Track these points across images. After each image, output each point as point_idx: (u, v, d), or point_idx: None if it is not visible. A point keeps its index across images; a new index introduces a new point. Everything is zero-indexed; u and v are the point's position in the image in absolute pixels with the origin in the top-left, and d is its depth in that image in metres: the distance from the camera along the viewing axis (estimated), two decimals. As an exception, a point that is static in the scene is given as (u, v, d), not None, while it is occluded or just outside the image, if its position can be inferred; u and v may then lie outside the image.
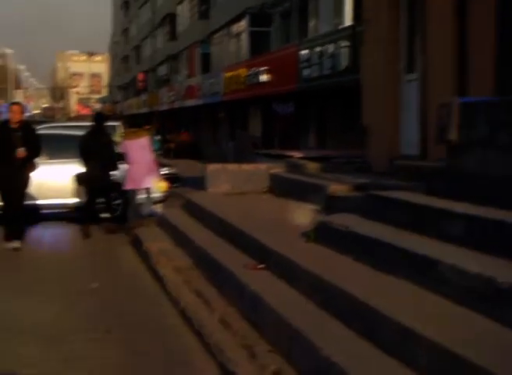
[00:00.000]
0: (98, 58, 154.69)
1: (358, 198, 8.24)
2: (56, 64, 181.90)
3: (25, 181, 11.34)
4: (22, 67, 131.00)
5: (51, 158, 14.68)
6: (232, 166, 12.66)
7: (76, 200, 14.36)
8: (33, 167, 11.46)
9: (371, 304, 4.95)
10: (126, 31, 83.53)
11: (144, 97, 62.97)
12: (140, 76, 66.45)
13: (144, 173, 12.62)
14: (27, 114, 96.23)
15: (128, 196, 13.07)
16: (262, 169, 12.37)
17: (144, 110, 60.91)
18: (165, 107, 51.36)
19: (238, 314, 6.47)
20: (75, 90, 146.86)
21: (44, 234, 13.34)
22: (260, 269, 7.17)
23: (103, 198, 13.12)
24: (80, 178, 13.40)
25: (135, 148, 12.57)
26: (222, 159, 35.18)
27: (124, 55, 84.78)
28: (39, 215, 14.34)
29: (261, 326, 5.91)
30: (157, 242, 10.25)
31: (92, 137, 13.07)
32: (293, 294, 6.16)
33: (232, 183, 12.19)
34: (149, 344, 6.39)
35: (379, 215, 7.02)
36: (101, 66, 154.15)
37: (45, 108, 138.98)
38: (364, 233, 6.41)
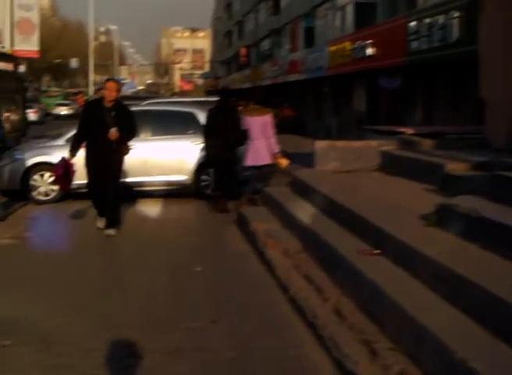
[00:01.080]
0: (201, 34, 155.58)
1: (481, 179, 7.62)
2: (160, 40, 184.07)
3: (118, 165, 10.54)
4: (126, 43, 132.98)
5: (154, 135, 14.53)
6: (341, 143, 12.13)
7: (182, 177, 14.17)
8: (126, 150, 10.57)
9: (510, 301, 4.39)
10: (228, 6, 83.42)
11: (246, 72, 62.72)
12: (243, 51, 66.21)
13: (265, 149, 12.34)
14: (132, 90, 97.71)
15: (237, 173, 13.00)
16: (373, 146, 11.79)
17: (247, 85, 60.67)
18: (267, 82, 50.94)
19: (353, 304, 5.99)
20: (178, 66, 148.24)
21: (148, 213, 13.11)
22: (375, 254, 6.67)
23: (227, 175, 12.79)
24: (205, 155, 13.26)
25: (257, 125, 12.30)
26: (326, 135, 34.72)
27: (227, 31, 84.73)
28: (143, 192, 14.21)
29: (381, 320, 5.42)
30: (263, 222, 9.83)
31: (218, 112, 12.80)
32: (414, 284, 5.62)
33: (341, 161, 11.67)
34: (258, 335, 5.98)
35: (509, 198, 6.39)
36: (203, 41, 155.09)
37: (149, 84, 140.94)
38: (495, 218, 5.80)
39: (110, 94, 10.27)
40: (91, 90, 69.84)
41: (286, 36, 49.19)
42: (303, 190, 10.45)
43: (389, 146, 11.78)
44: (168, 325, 6.23)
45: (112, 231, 10.48)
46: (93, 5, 63.41)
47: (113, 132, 10.08)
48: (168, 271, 8.33)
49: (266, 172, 12.49)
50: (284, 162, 12.46)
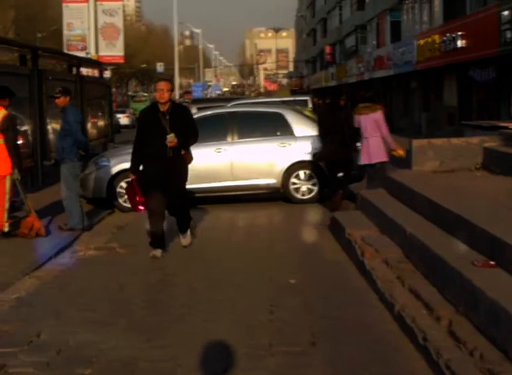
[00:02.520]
0: (284, 33, 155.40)
1: None
2: (244, 42, 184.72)
3: (181, 177, 9.30)
4: (211, 46, 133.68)
5: (241, 137, 14.04)
6: (439, 141, 11.34)
7: (271, 181, 13.68)
8: (189, 158, 9.36)
9: None
10: (311, 5, 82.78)
11: (331, 70, 61.99)
12: (328, 49, 65.45)
13: (378, 147, 11.96)
14: (217, 92, 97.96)
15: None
16: (474, 143, 10.97)
17: (332, 83, 59.96)
18: (353, 79, 50.11)
19: (471, 325, 5.30)
20: (262, 66, 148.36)
21: (235, 219, 12.62)
22: (491, 266, 5.96)
23: (342, 174, 12.48)
24: (318, 154, 13.16)
25: (369, 123, 12.02)
26: (415, 132, 33.71)
27: (310, 29, 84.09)
28: (230, 197, 13.78)
29: (506, 345, 4.72)
30: (359, 228, 9.17)
31: (329, 112, 12.95)
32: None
33: (440, 160, 10.90)
34: (362, 360, 5.34)
35: None
36: (287, 41, 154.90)
37: (234, 86, 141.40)
38: None
39: (162, 95, 9.11)
40: (177, 94, 70.19)
41: (371, 31, 48.28)
42: (401, 192, 9.74)
43: (492, 143, 10.95)
44: (262, 349, 5.64)
45: (186, 239, 9.80)
46: (177, 9, 63.51)
47: (170, 138, 8.91)
48: (260, 284, 7.73)
49: (379, 169, 11.99)
50: (401, 152, 11.97)
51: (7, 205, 10.22)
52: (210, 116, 14.76)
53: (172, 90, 9.29)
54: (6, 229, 10.26)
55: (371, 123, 12.00)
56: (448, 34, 28.65)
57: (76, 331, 6.20)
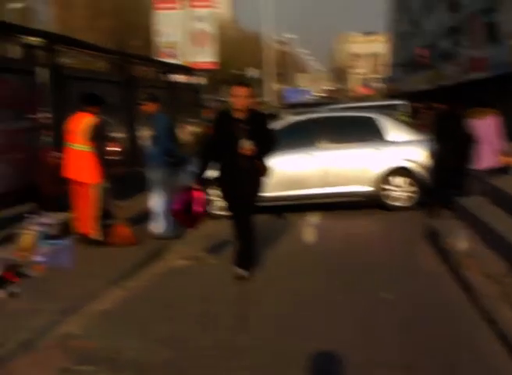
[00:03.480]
0: (378, 37, 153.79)
1: None
2: (336, 46, 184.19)
3: (252, 189, 8.37)
4: (304, 51, 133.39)
5: (334, 143, 13.67)
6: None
7: (365, 187, 13.29)
8: (265, 169, 8.38)
9: None
10: (405, 7, 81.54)
11: (425, 73, 60.81)
12: (422, 52, 64.24)
13: (493, 152, 11.68)
14: (310, 96, 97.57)
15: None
16: None
17: (427, 87, 58.76)
18: (449, 82, 48.93)
19: None
20: (355, 70, 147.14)
21: (328, 227, 12.25)
22: None
23: (455, 181, 12.17)
24: (433, 161, 12.95)
25: (484, 128, 11.79)
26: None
27: (403, 32, 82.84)
28: (323, 205, 13.44)
29: None
30: (459, 238, 8.69)
31: (445, 118, 12.74)
32: None
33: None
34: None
35: None
36: (380, 45, 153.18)
37: (327, 91, 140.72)
38: None
39: (239, 101, 8.18)
40: (269, 99, 70.14)
41: (466, 33, 47.06)
42: (504, 202, 9.21)
43: None
44: (354, 372, 5.29)
45: (242, 271, 8.49)
46: (270, 15, 63.43)
47: (246, 146, 8.05)
48: (352, 298, 7.38)
49: (487, 176, 11.62)
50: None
51: (97, 213, 10.15)
52: (301, 122, 14.45)
53: (251, 96, 8.30)
54: (97, 237, 10.19)
55: (486, 128, 11.78)
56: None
57: (158, 349, 5.97)
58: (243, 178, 8.24)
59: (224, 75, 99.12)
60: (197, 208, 8.46)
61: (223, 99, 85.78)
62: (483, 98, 12.82)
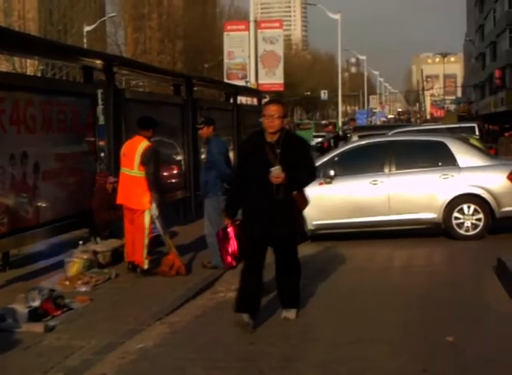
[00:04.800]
0: (452, 58, 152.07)
1: None
2: (410, 67, 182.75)
3: (289, 225, 7.26)
4: (376, 73, 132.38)
5: (399, 168, 13.05)
6: None
7: (431, 215, 12.63)
8: (303, 201, 7.42)
9: None
10: (480, 28, 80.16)
11: (501, 95, 59.41)
12: (498, 73, 62.83)
13: None
14: (382, 119, 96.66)
15: None
16: None
17: (502, 109, 57.35)
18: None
19: None
20: (429, 92, 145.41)
21: (390, 257, 11.63)
22: None
23: None
24: None
25: None
26: None
27: (479, 53, 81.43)
28: (386, 233, 12.84)
29: None
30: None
31: None
32: None
33: None
34: None
35: None
36: (455, 66, 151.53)
37: (400, 113, 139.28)
38: None
39: (271, 123, 7.08)
40: (340, 121, 69.59)
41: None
42: None
43: None
44: None
45: (292, 313, 7.63)
46: (342, 36, 63.01)
47: (276, 173, 6.93)
48: (412, 341, 6.74)
49: None
50: None
51: (146, 241, 9.77)
52: (366, 146, 13.92)
53: (285, 116, 7.27)
54: (146, 266, 9.82)
55: None
56: None
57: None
58: (277, 213, 7.11)
59: (296, 97, 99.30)
60: (235, 245, 7.43)
61: (297, 121, 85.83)
62: None
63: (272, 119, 7.06)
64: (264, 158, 7.04)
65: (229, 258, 7.54)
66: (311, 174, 7.38)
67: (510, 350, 6.37)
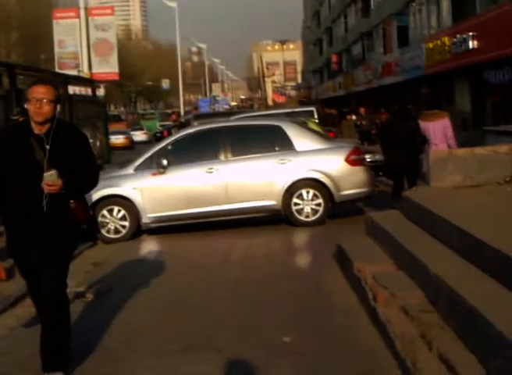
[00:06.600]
0: (292, 45, 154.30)
1: None
2: (251, 55, 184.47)
3: (59, 248, 5.36)
4: (217, 61, 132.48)
5: (236, 155, 12.49)
6: (461, 151, 9.73)
7: (270, 202, 12.16)
8: (80, 213, 5.52)
9: None
10: (316, 14, 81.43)
11: (339, 79, 60.55)
12: (334, 58, 63.94)
13: None
14: (225, 106, 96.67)
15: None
16: (502, 153, 9.35)
17: (341, 93, 58.50)
18: (361, 88, 48.55)
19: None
20: (271, 79, 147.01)
21: (228, 248, 11.02)
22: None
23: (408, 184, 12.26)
24: (380, 166, 13.63)
25: (438, 129, 12.02)
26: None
27: (316, 39, 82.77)
28: (224, 222, 12.26)
29: None
30: (370, 262, 7.54)
31: (396, 120, 12.98)
32: None
33: (463, 173, 9.28)
34: None
35: None
36: (294, 53, 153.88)
37: (243, 100, 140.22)
38: None
39: (39, 109, 5.27)
40: (182, 109, 68.93)
41: (377, 38, 46.80)
42: (418, 216, 8.11)
43: (523, 150, 9.34)
44: None
45: None
46: (180, 25, 62.21)
47: (50, 179, 5.20)
48: (245, 347, 6.08)
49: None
50: None
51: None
52: (201, 132, 13.23)
53: (57, 101, 5.38)
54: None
55: (441, 130, 11.97)
56: (458, 35, 27.19)
57: None
58: (46, 231, 5.33)
59: (137, 87, 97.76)
60: None
61: (141, 111, 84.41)
62: (433, 100, 12.86)
63: (41, 105, 5.26)
64: (29, 157, 5.28)
65: None
66: (93, 177, 5.63)
67: (348, 346, 5.84)
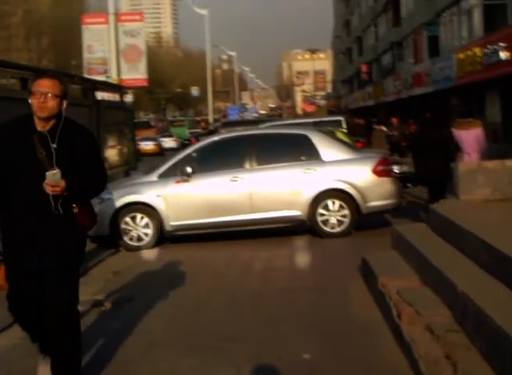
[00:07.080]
0: (322, 55, 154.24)
1: None
2: (281, 64, 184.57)
3: (65, 255, 5.06)
4: (247, 69, 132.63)
5: (261, 164, 12.31)
6: (491, 164, 9.47)
7: (295, 212, 11.98)
8: (85, 218, 5.18)
9: None
10: (347, 23, 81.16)
11: (368, 89, 60.21)
12: (364, 68, 63.58)
13: None
14: (254, 114, 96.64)
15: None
16: (535, 166, 9.10)
17: (370, 103, 58.18)
18: (391, 98, 48.20)
19: None
20: (300, 88, 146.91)
21: (251, 259, 10.83)
22: None
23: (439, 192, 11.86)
24: (408, 177, 13.64)
25: (470, 138, 11.92)
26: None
27: (346, 48, 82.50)
28: (248, 232, 12.09)
29: None
30: (395, 276, 7.32)
31: (428, 128, 12.47)
32: None
33: (493, 186, 9.04)
34: None
35: None
36: (324, 62, 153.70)
37: (272, 108, 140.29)
38: None
39: (43, 103, 4.94)
40: (211, 117, 68.92)
41: (408, 48, 46.45)
42: (446, 229, 7.88)
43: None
44: None
45: None
46: (210, 32, 62.28)
47: (53, 179, 4.88)
48: (264, 359, 5.85)
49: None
50: None
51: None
52: (226, 140, 13.08)
53: (63, 96, 5.03)
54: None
55: (473, 139, 11.89)
56: (489, 46, 26.83)
57: None
58: (50, 237, 5.02)
59: (167, 94, 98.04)
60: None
61: (170, 119, 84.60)
62: (466, 109, 12.66)
63: (45, 99, 4.91)
64: (30, 155, 4.96)
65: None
66: (101, 181, 5.32)
67: (371, 365, 5.63)
